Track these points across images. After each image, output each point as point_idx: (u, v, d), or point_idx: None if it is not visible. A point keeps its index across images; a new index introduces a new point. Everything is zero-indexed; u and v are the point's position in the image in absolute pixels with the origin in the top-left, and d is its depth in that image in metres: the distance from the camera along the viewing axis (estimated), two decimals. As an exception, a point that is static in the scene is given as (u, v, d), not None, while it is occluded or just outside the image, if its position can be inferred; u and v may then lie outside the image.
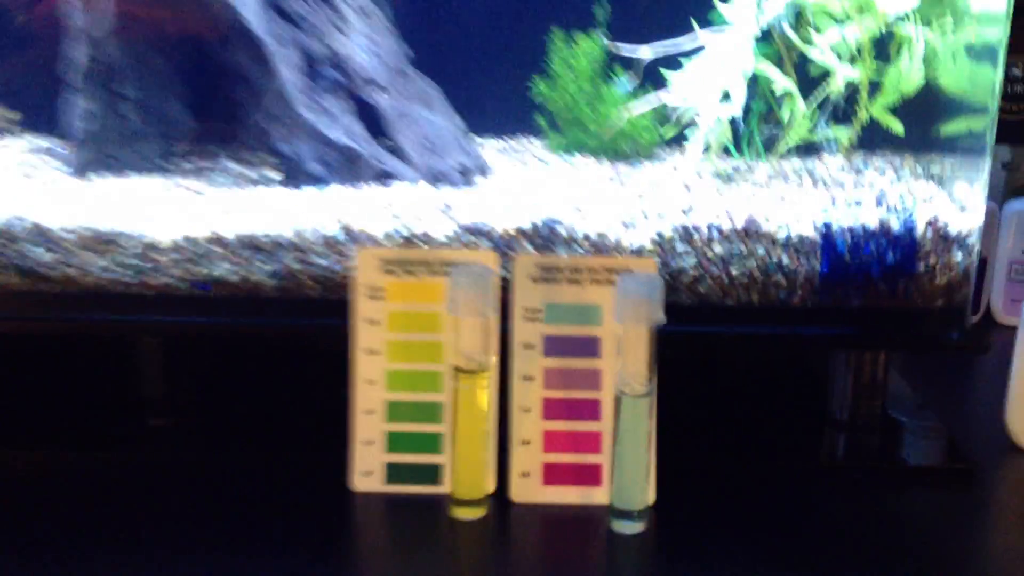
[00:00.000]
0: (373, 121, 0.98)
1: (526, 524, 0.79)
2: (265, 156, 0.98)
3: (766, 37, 0.94)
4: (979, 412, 0.98)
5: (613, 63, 1.03)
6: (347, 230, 0.84)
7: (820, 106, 0.96)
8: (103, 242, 0.84)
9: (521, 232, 0.84)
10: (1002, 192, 1.21)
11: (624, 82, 1.00)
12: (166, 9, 0.95)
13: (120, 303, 0.85)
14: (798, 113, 0.96)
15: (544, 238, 0.84)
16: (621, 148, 1.04)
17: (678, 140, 0.99)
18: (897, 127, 0.95)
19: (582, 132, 1.06)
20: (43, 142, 1.07)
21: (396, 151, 0.96)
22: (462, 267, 0.77)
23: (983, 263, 1.15)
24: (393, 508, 0.81)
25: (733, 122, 0.95)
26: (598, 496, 0.80)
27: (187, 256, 0.84)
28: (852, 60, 0.94)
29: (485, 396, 0.78)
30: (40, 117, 1.08)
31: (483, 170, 1.00)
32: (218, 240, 0.84)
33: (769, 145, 0.98)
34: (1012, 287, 1.17)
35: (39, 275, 0.84)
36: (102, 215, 0.85)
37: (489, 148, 1.09)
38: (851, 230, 0.83)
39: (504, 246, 0.84)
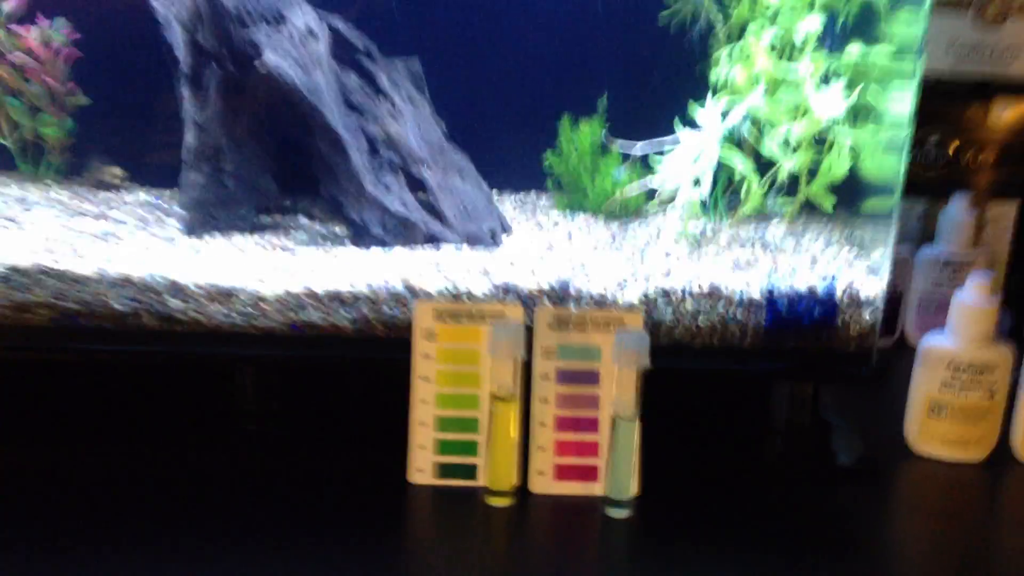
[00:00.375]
0: (421, 191, 1.23)
1: (542, 510, 1.05)
2: (339, 222, 1.23)
3: (730, 134, 1.19)
4: (891, 424, 1.24)
5: (609, 144, 1.29)
6: (408, 286, 1.10)
7: (770, 185, 1.22)
8: (224, 295, 1.09)
9: (541, 291, 1.10)
10: (919, 238, 1.47)
11: (620, 171, 1.25)
12: (260, 105, 1.19)
13: (232, 339, 1.10)
14: (753, 189, 1.22)
15: (558, 295, 1.10)
16: (614, 210, 1.30)
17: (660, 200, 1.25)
18: (828, 204, 1.21)
19: (582, 196, 1.31)
20: (150, 197, 1.32)
21: (440, 217, 1.21)
22: (501, 322, 1.02)
23: (899, 297, 1.41)
24: (441, 497, 1.06)
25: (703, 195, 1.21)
26: (596, 489, 1.06)
27: (287, 306, 1.09)
28: (795, 151, 1.20)
29: (512, 414, 1.04)
30: (152, 176, 1.33)
31: (506, 229, 1.25)
32: (312, 295, 1.09)
33: (731, 208, 1.24)
34: (922, 316, 1.43)
35: (174, 319, 1.09)
36: (220, 270, 1.10)
37: (507, 202, 1.35)
38: (788, 293, 1.09)
39: (528, 300, 1.10)
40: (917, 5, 1.09)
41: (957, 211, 1.38)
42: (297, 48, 1.17)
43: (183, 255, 1.15)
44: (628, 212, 1.30)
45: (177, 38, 1.18)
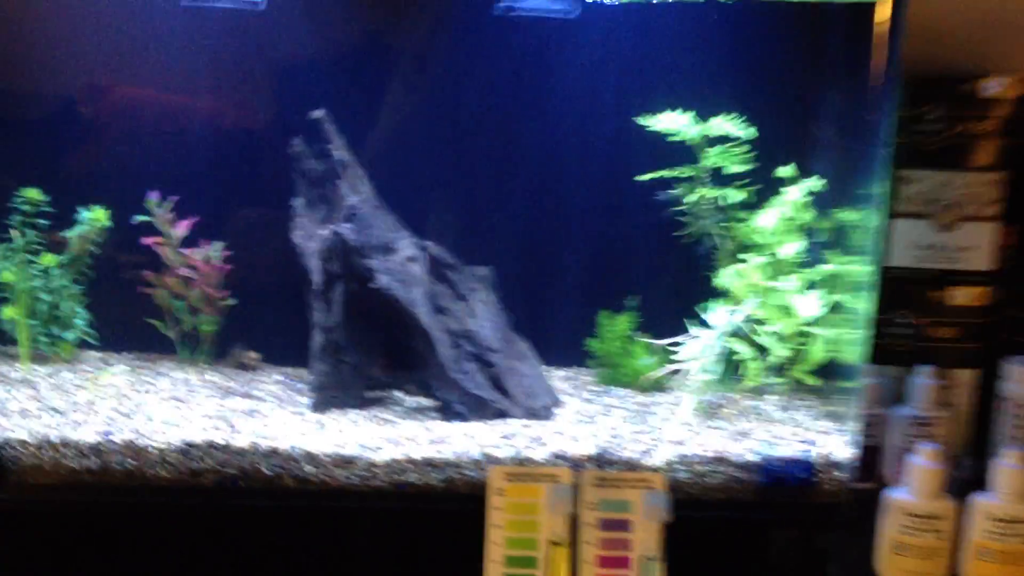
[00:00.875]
0: (492, 374, 1.56)
1: (589, 628, 1.34)
2: (429, 399, 1.56)
3: (735, 330, 1.52)
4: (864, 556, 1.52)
5: (638, 333, 1.62)
6: (485, 454, 1.42)
7: (765, 367, 1.53)
8: (346, 461, 1.41)
9: (587, 457, 1.41)
10: (892, 399, 1.76)
11: (648, 360, 1.58)
12: (371, 312, 1.54)
13: (347, 496, 1.42)
14: (751, 371, 1.54)
15: (600, 460, 1.41)
16: (642, 386, 1.62)
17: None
18: (810, 381, 1.52)
19: (618, 373, 1.64)
20: (280, 376, 1.66)
21: (507, 396, 1.54)
22: (555, 484, 1.34)
23: (877, 448, 1.70)
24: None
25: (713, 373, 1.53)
26: (631, 613, 1.36)
27: (393, 470, 1.41)
28: (783, 341, 1.52)
29: (564, 556, 1.34)
30: (280, 358, 1.68)
31: (558, 403, 1.58)
32: (410, 460, 1.41)
33: (735, 383, 1.56)
34: (896, 464, 1.71)
35: (308, 481, 1.42)
36: (344, 441, 1.43)
37: (556, 376, 1.67)
38: (777, 458, 1.40)
39: (576, 464, 1.41)
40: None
41: (922, 378, 1.67)
42: (401, 270, 1.53)
43: (311, 428, 1.48)
44: (655, 388, 1.62)
45: (312, 264, 1.54)
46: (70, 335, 1.66)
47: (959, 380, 1.73)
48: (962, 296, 1.71)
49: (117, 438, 1.41)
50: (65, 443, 1.41)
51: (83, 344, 1.68)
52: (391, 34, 1.63)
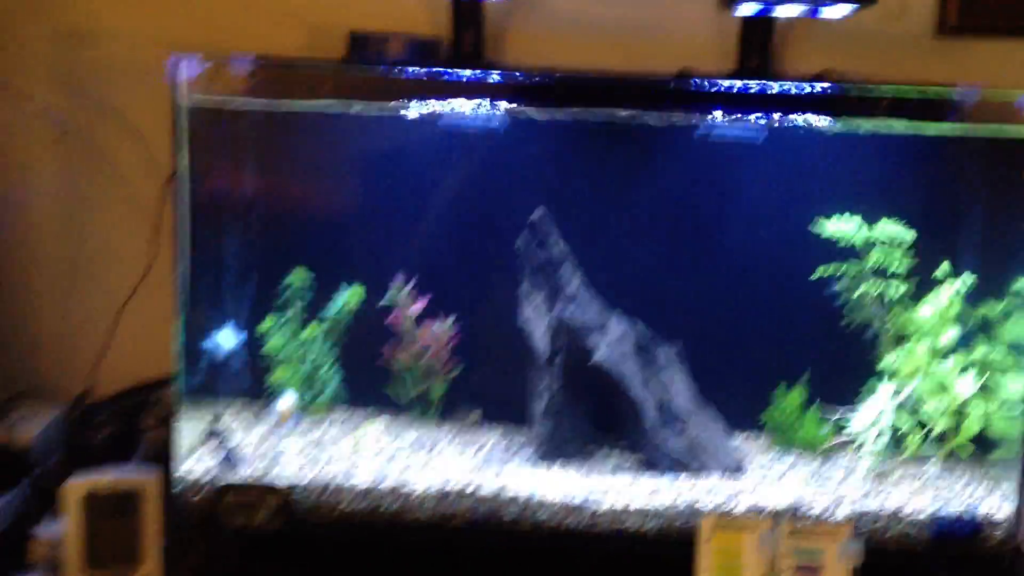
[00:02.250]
0: (688, 437, 1.75)
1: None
2: (635, 457, 1.75)
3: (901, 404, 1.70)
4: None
5: (813, 403, 1.80)
6: (692, 505, 1.60)
7: (926, 436, 1.71)
8: (575, 508, 1.61)
9: (782, 510, 1.59)
10: None
11: (822, 429, 1.77)
12: (588, 381, 1.74)
13: (573, 538, 1.61)
14: (915, 439, 1.71)
15: (793, 514, 1.59)
16: (814, 450, 1.80)
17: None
18: (966, 452, 1.69)
19: (792, 439, 1.82)
20: (497, 432, 1.86)
21: (703, 455, 1.73)
22: (765, 534, 1.51)
23: None
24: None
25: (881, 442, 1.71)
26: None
27: (613, 519, 1.60)
28: (942, 415, 1.70)
29: (768, 594, 1.52)
30: (496, 417, 1.88)
31: (745, 464, 1.76)
32: (628, 508, 1.60)
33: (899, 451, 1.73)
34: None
35: (539, 523, 1.61)
36: (568, 490, 1.62)
37: (737, 440, 1.86)
38: (946, 516, 1.57)
39: (774, 515, 1.59)
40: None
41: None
42: (614, 347, 1.73)
43: (542, 476, 1.68)
44: (824, 453, 1.80)
45: (539, 343, 1.75)
46: (326, 394, 1.88)
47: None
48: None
49: (385, 484, 1.62)
50: (340, 488, 1.62)
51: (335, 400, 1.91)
52: (603, 153, 1.86)
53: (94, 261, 2.07)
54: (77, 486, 1.55)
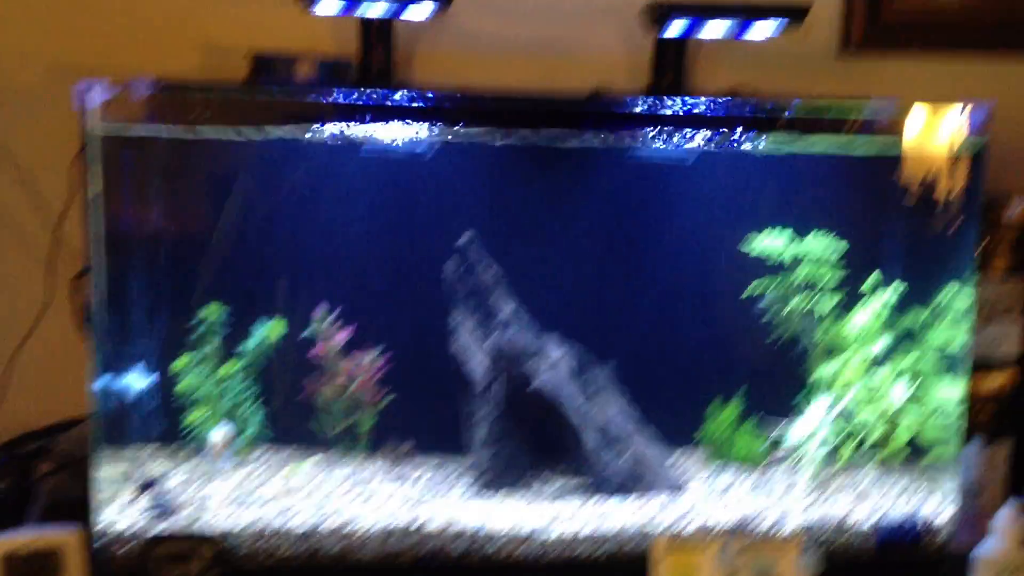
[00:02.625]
0: (629, 458, 1.72)
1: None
2: (577, 480, 1.71)
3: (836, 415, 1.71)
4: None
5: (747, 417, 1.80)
6: (642, 527, 1.57)
7: (862, 445, 1.73)
8: (523, 540, 1.55)
9: (730, 527, 1.58)
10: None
11: (759, 443, 1.77)
12: (528, 408, 1.69)
13: (524, 570, 1.56)
14: (850, 448, 1.73)
15: (741, 530, 1.58)
16: (752, 464, 1.80)
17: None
18: (900, 459, 1.72)
19: (728, 454, 1.81)
20: (432, 463, 1.79)
21: (644, 475, 1.70)
22: (717, 553, 1.49)
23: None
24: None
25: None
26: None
27: (563, 544, 1.56)
28: (876, 424, 1.72)
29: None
30: (428, 447, 1.81)
31: (687, 482, 1.74)
32: (578, 535, 1.56)
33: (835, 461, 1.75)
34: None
35: (489, 556, 1.55)
36: (514, 520, 1.57)
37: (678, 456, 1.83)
38: (887, 523, 1.59)
39: (724, 533, 1.57)
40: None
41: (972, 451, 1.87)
42: (553, 371, 1.69)
43: (481, 509, 1.62)
44: (761, 466, 1.80)
45: (477, 368, 1.70)
46: (248, 433, 1.77)
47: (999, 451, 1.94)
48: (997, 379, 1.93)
49: (326, 526, 1.54)
50: (279, 532, 1.52)
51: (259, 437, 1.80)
52: (523, 174, 1.81)
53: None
54: (-11, 548, 1.41)
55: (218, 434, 1.70)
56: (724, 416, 1.82)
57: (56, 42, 1.86)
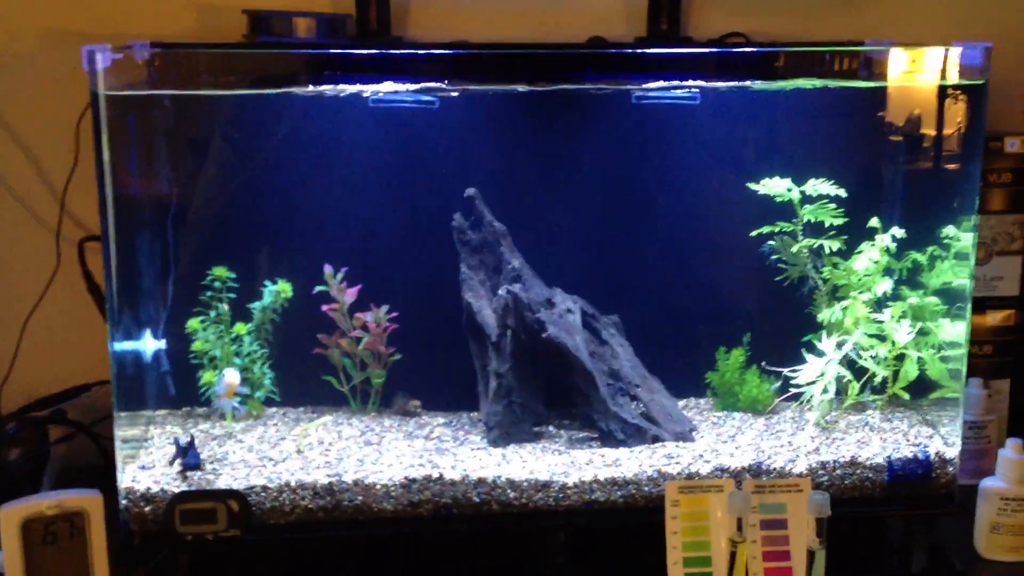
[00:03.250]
0: (640, 406, 1.74)
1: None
2: (588, 430, 1.73)
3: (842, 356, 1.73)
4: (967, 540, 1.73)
5: (753, 364, 1.82)
6: (657, 472, 1.60)
7: (867, 385, 1.76)
8: (542, 486, 1.57)
9: (744, 468, 1.60)
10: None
11: (772, 388, 1.79)
12: (539, 359, 1.70)
13: (543, 515, 1.58)
14: (855, 389, 1.75)
15: (754, 471, 1.60)
16: (759, 409, 1.82)
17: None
18: (906, 396, 1.75)
19: (735, 400, 1.83)
20: (445, 419, 1.81)
21: (656, 423, 1.72)
22: (733, 492, 1.51)
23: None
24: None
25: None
26: (793, 597, 1.54)
27: (581, 490, 1.58)
28: (880, 363, 1.74)
29: (745, 550, 1.51)
30: (437, 405, 1.83)
31: (696, 428, 1.76)
32: (596, 480, 1.58)
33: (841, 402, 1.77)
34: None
35: (509, 503, 1.57)
36: (531, 469, 1.59)
37: (680, 405, 1.85)
38: (898, 458, 1.61)
39: (735, 475, 1.60)
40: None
41: (974, 389, 1.90)
42: (563, 321, 1.70)
43: (496, 461, 1.64)
44: (769, 411, 1.82)
45: (486, 321, 1.71)
46: (260, 394, 1.78)
47: (999, 389, 1.97)
48: (997, 319, 1.96)
49: (347, 478, 1.55)
50: (302, 486, 1.54)
51: (268, 401, 1.81)
52: (534, 121, 1.81)
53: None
54: (14, 512, 1.41)
55: (229, 375, 1.69)
56: (731, 361, 1.84)
57: (50, 8, 1.85)
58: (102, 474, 1.58)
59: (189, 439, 1.59)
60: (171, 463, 1.58)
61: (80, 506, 1.44)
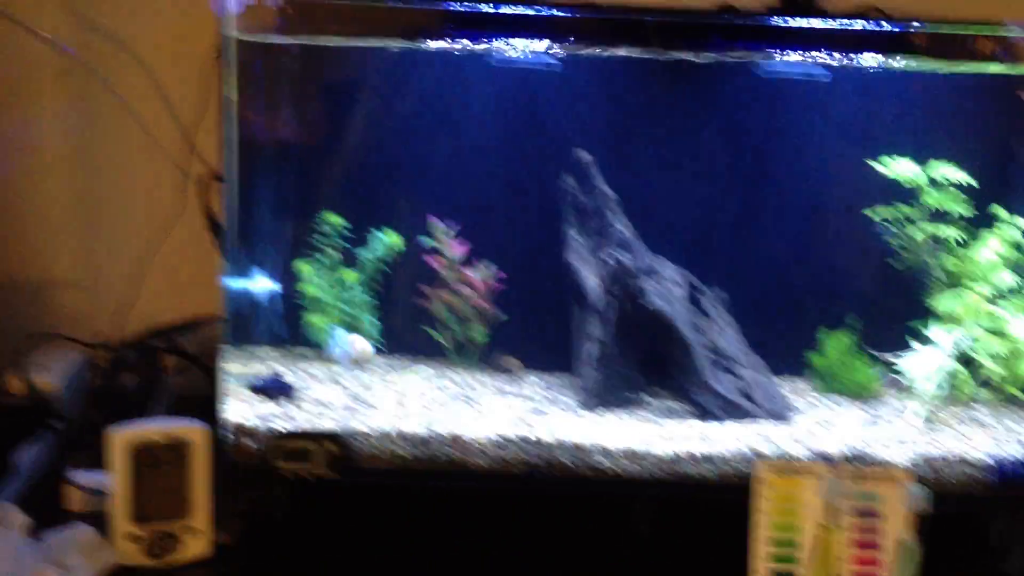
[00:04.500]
0: (738, 382, 1.71)
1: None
2: (685, 403, 1.71)
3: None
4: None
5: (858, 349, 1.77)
6: (751, 450, 1.57)
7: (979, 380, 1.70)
8: (632, 455, 1.57)
9: (841, 454, 1.57)
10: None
11: (876, 374, 1.74)
12: (640, 326, 1.69)
13: (631, 484, 1.57)
14: (966, 383, 1.69)
15: (852, 458, 1.56)
16: (861, 395, 1.77)
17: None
18: (1022, 396, 1.68)
19: (838, 384, 1.79)
20: (539, 380, 1.81)
21: (753, 401, 1.69)
22: (831, 479, 1.48)
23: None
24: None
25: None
26: (882, 588, 1.50)
27: (671, 462, 1.57)
28: (998, 359, 1.68)
29: (836, 537, 1.48)
30: (536, 363, 1.83)
31: (794, 409, 1.73)
32: (687, 453, 1.57)
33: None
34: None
35: (600, 469, 1.57)
36: (624, 436, 1.58)
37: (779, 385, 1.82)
38: (1007, 458, 1.56)
39: (830, 460, 1.56)
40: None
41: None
42: (666, 291, 1.68)
43: (592, 425, 1.64)
44: (872, 397, 1.77)
45: (589, 284, 1.70)
46: (367, 338, 1.81)
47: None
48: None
49: (443, 431, 1.57)
50: (401, 435, 1.57)
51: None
52: (643, 93, 1.79)
53: (112, 202, 1.98)
54: (125, 436, 1.47)
55: (358, 342, 1.73)
56: (836, 344, 1.79)
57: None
58: (212, 405, 1.63)
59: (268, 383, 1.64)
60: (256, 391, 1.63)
61: (186, 435, 1.50)
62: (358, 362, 1.73)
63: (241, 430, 1.57)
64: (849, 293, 1.83)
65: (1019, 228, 1.68)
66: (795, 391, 1.82)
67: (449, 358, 1.85)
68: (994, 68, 1.68)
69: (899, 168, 1.70)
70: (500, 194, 1.83)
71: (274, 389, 1.62)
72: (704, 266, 1.79)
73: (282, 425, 1.57)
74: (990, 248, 1.68)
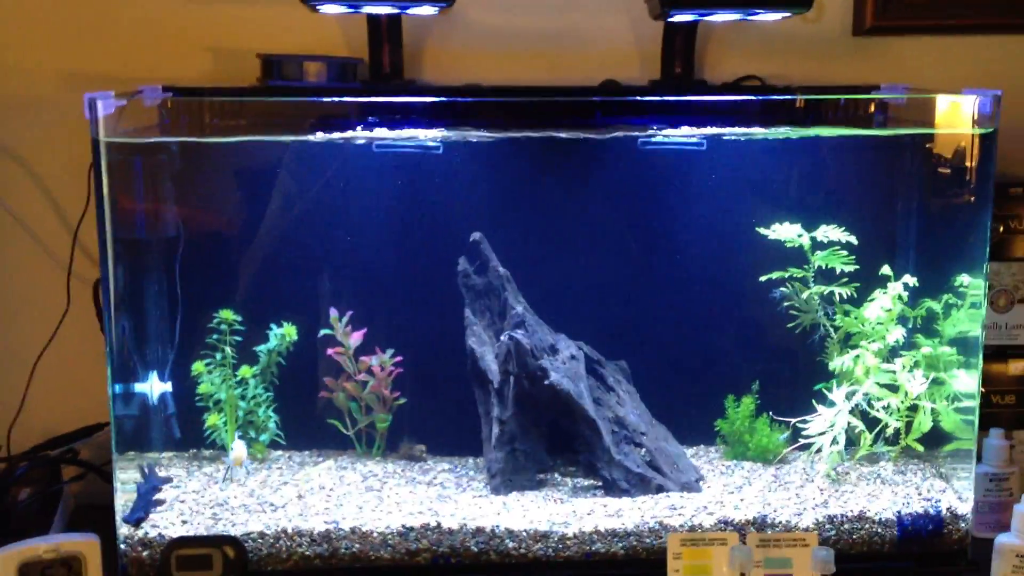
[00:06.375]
0: (645, 454, 1.72)
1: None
2: (592, 479, 1.71)
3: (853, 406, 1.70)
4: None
5: (763, 412, 1.79)
6: (660, 523, 1.57)
7: (878, 436, 1.72)
8: (541, 536, 1.56)
9: (749, 521, 1.57)
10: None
11: (778, 436, 1.76)
12: (542, 406, 1.69)
13: (541, 566, 1.56)
14: (866, 440, 1.72)
15: (760, 524, 1.57)
16: (768, 459, 1.79)
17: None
18: (919, 448, 1.71)
19: (744, 449, 1.81)
20: (449, 465, 1.80)
21: (661, 473, 1.70)
22: (736, 547, 1.49)
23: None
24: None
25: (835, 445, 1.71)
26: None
27: (581, 541, 1.56)
28: (894, 414, 1.71)
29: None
30: (442, 449, 1.82)
31: (703, 478, 1.74)
32: (596, 531, 1.56)
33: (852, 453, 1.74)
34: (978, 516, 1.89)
35: (507, 553, 1.55)
36: (530, 518, 1.57)
37: (688, 454, 1.83)
38: (909, 514, 1.58)
39: (739, 528, 1.57)
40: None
41: (995, 440, 1.85)
42: (567, 368, 1.69)
43: (497, 509, 1.62)
44: (779, 461, 1.79)
45: (489, 366, 1.70)
46: (264, 438, 1.78)
47: (1022, 439, 1.92)
48: (1019, 368, 1.91)
49: (344, 525, 1.55)
50: (299, 532, 1.54)
51: (273, 444, 1.81)
52: (541, 166, 1.82)
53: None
54: (11, 556, 1.42)
55: (237, 447, 1.71)
56: (741, 409, 1.81)
57: (68, 51, 1.88)
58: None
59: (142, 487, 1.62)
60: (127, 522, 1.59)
61: (77, 550, 1.45)
62: (236, 465, 1.70)
63: (135, 540, 1.53)
64: (752, 359, 1.86)
65: (906, 285, 1.73)
66: (705, 459, 1.83)
67: (354, 448, 1.83)
68: (872, 131, 1.74)
69: (785, 232, 1.75)
70: (398, 280, 1.83)
71: (147, 499, 1.59)
72: (604, 339, 1.81)
73: (179, 532, 1.54)
74: (878, 305, 1.73)
